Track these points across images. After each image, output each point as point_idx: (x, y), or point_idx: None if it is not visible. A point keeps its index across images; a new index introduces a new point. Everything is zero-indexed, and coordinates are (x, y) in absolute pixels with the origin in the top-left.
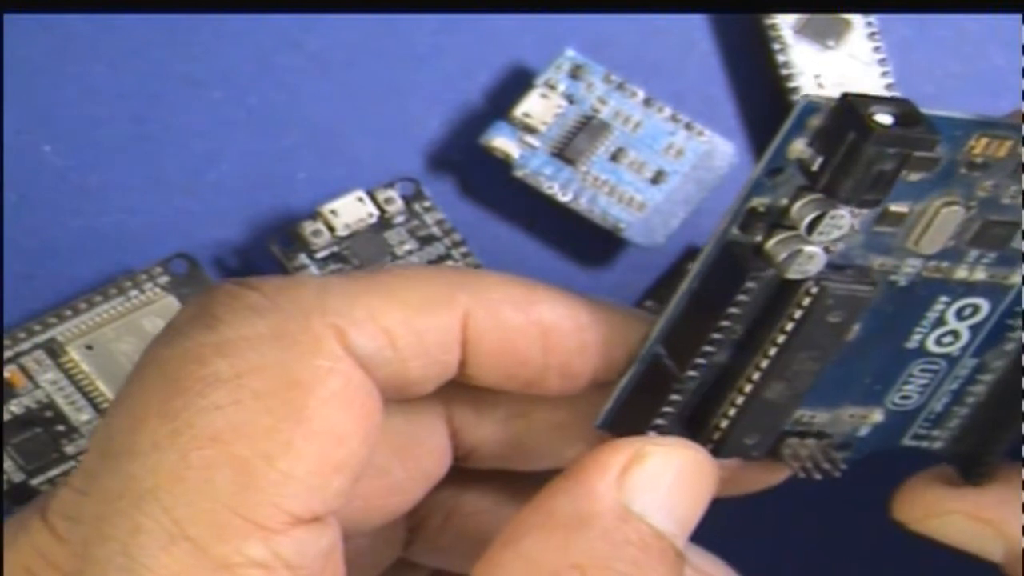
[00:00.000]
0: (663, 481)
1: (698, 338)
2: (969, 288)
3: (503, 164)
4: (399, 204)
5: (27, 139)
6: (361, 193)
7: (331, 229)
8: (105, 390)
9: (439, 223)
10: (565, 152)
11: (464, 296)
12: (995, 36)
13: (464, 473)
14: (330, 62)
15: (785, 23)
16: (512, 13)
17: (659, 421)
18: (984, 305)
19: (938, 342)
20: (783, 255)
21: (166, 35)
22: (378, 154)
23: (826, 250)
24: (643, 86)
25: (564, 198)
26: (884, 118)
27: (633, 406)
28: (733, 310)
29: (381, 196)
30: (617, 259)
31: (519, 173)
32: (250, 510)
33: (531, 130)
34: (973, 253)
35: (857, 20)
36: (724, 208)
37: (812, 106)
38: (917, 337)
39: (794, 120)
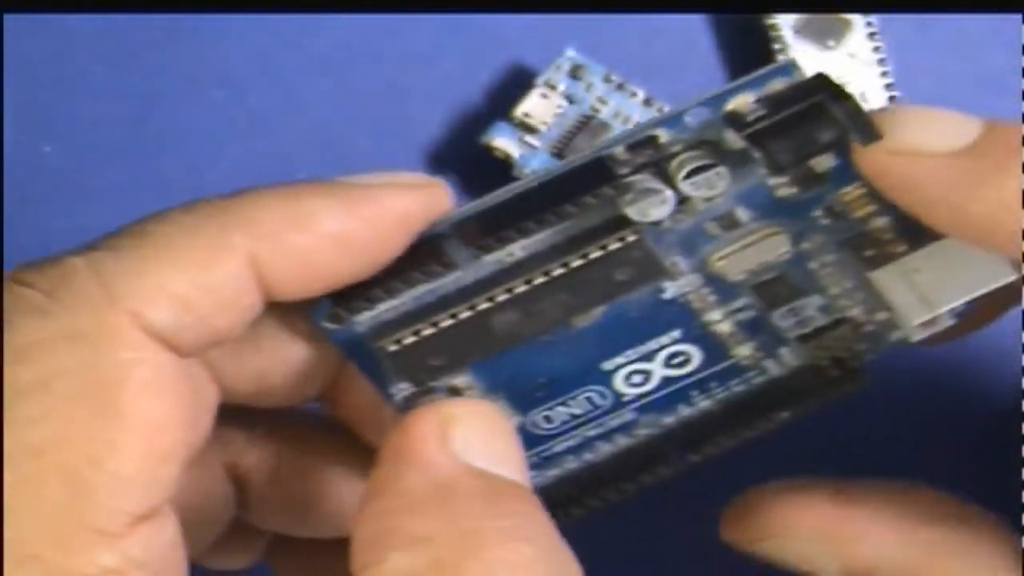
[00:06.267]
0: (478, 433)
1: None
2: (704, 334)
3: (503, 164)
4: None
5: (27, 139)
6: None
7: None
8: None
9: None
10: (565, 152)
11: (239, 235)
12: (995, 36)
13: (282, 432)
14: (330, 62)
15: (785, 23)
16: (512, 13)
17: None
18: (696, 359)
19: (627, 379)
20: (637, 190)
21: (166, 35)
22: (378, 154)
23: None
24: (643, 86)
25: None
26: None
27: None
28: (551, 214)
29: None
30: None
31: (519, 173)
32: (90, 518)
33: (531, 130)
34: (742, 300)
35: (857, 20)
36: None
37: (789, 70)
38: (618, 360)
39: (763, 74)
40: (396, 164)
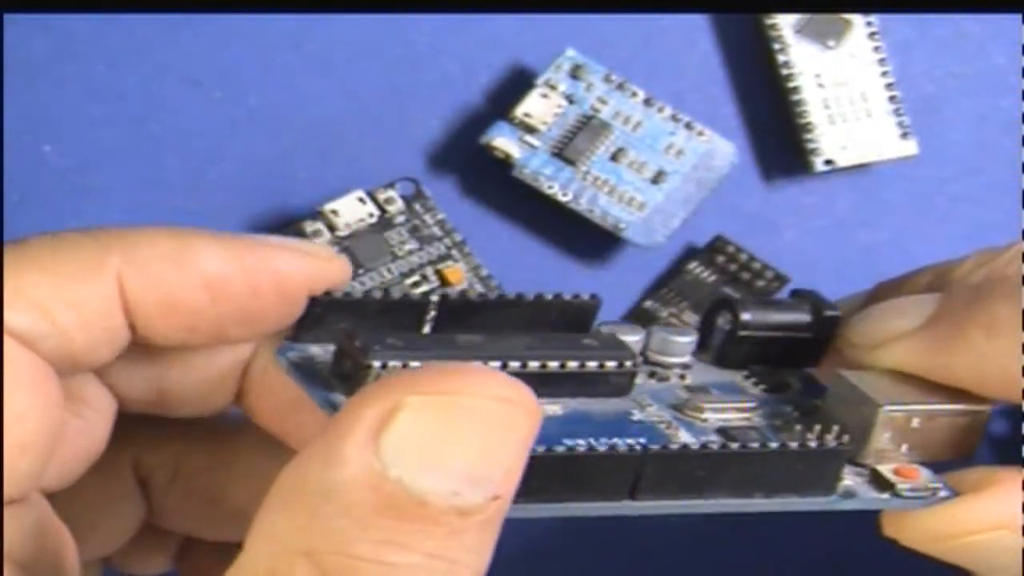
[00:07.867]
0: (428, 433)
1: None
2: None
3: (503, 164)
4: (399, 204)
5: (27, 139)
6: (361, 193)
7: (332, 229)
8: None
9: (439, 223)
10: (565, 152)
11: (115, 258)
12: (995, 36)
13: (185, 430)
14: (330, 62)
15: (785, 23)
16: (512, 13)
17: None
18: None
19: None
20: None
21: (166, 35)
22: (378, 154)
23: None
24: (643, 86)
25: (564, 198)
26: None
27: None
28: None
29: (381, 196)
30: (617, 259)
31: (519, 173)
32: None
33: (531, 130)
34: (711, 436)
35: (857, 20)
36: (724, 208)
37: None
38: (579, 441)
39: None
40: (396, 164)
